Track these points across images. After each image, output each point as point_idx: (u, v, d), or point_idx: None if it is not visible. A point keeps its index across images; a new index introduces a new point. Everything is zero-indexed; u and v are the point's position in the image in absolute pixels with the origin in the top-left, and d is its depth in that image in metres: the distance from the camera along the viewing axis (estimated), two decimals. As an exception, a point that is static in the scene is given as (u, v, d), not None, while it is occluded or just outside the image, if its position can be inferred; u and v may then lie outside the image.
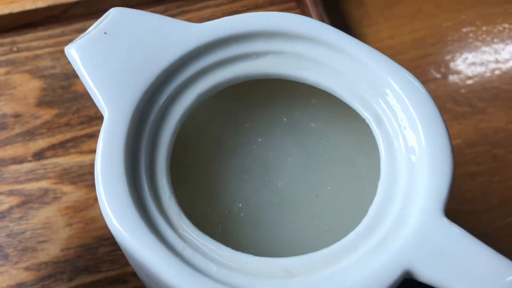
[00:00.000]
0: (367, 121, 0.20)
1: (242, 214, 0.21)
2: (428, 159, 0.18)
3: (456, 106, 0.38)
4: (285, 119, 0.24)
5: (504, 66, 0.40)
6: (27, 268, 0.31)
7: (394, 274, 0.16)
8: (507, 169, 0.36)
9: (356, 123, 0.21)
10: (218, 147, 0.23)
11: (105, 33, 0.20)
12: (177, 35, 0.20)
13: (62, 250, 0.32)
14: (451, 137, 0.36)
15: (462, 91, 0.39)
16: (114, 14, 0.21)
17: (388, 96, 0.20)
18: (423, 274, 0.17)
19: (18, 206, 0.33)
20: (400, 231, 0.17)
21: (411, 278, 0.17)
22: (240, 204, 0.21)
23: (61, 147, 0.35)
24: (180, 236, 0.17)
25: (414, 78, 0.20)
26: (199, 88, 0.20)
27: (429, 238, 0.17)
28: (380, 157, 0.19)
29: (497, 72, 0.40)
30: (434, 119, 0.19)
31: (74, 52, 0.20)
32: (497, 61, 0.40)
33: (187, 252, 0.17)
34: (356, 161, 0.22)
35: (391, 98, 0.20)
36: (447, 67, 0.40)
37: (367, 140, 0.21)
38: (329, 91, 0.21)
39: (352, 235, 0.18)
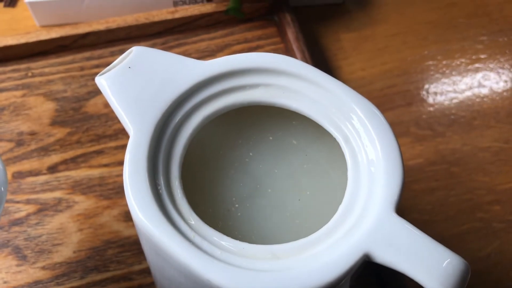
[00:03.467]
0: (337, 139, 0.23)
1: (239, 214, 0.25)
2: (384, 170, 0.22)
3: (418, 129, 0.42)
4: (271, 138, 0.27)
5: (461, 96, 0.44)
6: (43, 268, 0.34)
7: (356, 256, 0.20)
8: (462, 184, 0.39)
9: (329, 141, 0.24)
10: (218, 160, 0.26)
11: (129, 67, 0.24)
12: (187, 70, 0.24)
13: (74, 252, 0.35)
14: (414, 157, 0.40)
15: (424, 116, 0.42)
16: (136, 51, 0.25)
17: (353, 120, 0.23)
18: (378, 257, 0.20)
19: (34, 213, 0.36)
20: (361, 224, 0.21)
21: (370, 260, 0.21)
22: (237, 205, 0.25)
23: (72, 162, 0.38)
24: (191, 227, 0.21)
25: (374, 106, 0.24)
26: (205, 112, 0.24)
27: (383, 229, 0.21)
28: (348, 168, 0.23)
29: (454, 100, 0.44)
30: (389, 138, 0.23)
31: (103, 81, 0.24)
32: (454, 91, 0.44)
33: (197, 239, 0.21)
34: (329, 171, 0.26)
35: (356, 122, 0.23)
36: (411, 95, 0.43)
37: (337, 155, 0.24)
38: (307, 116, 0.24)
39: (324, 228, 0.22)
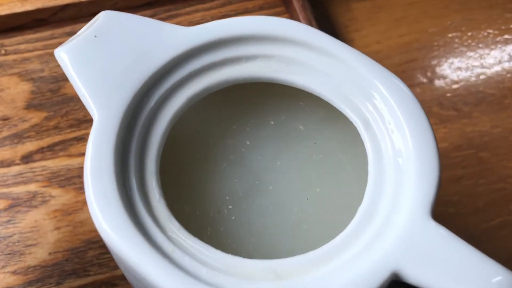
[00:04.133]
0: (354, 124, 0.20)
1: (233, 217, 0.21)
2: (415, 162, 0.18)
3: (442, 110, 0.39)
4: (272, 122, 0.24)
5: (489, 71, 0.41)
6: (14, 272, 0.31)
7: (382, 276, 0.17)
8: (492, 172, 0.36)
9: (344, 126, 0.21)
10: (207, 150, 0.23)
11: (95, 36, 0.20)
12: (167, 38, 0.20)
13: (50, 253, 0.32)
14: (437, 141, 0.37)
15: (448, 95, 0.39)
16: (104, 17, 0.21)
17: (375, 99, 0.20)
18: (411, 276, 0.17)
19: (5, 209, 0.33)
20: (388, 233, 0.18)
21: (400, 280, 0.17)
22: (230, 206, 0.21)
23: (49, 150, 0.35)
24: (169, 238, 0.18)
25: (401, 82, 0.20)
26: (189, 91, 0.21)
27: (416, 240, 0.17)
28: (368, 159, 0.20)
29: (482, 76, 0.40)
30: (421, 122, 0.19)
31: (64, 54, 0.20)
32: (482, 66, 0.41)
33: (177, 254, 0.17)
34: (344, 163, 0.23)
35: (379, 101, 0.20)
36: (433, 71, 0.40)
37: (355, 142, 0.21)
38: (317, 94, 0.21)
39: (340, 237, 0.18)
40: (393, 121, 0.19)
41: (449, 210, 0.35)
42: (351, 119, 0.20)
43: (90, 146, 0.19)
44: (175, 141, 0.22)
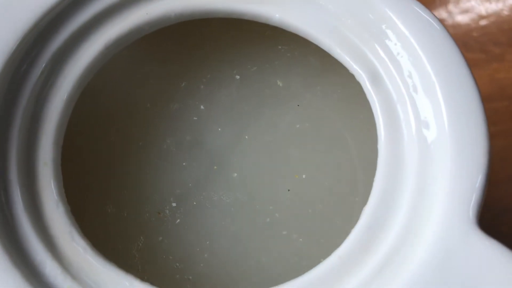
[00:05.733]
0: (357, 77, 0.15)
1: (178, 220, 0.15)
2: (451, 139, 0.13)
3: (467, 52, 0.35)
4: (238, 76, 0.19)
5: None
6: None
7: None
8: None
9: (344, 80, 0.16)
10: (143, 120, 0.17)
11: None
12: None
13: None
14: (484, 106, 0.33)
15: (474, 34, 0.37)
16: None
17: (389, 40, 0.15)
18: None
19: None
20: (411, 252, 0.12)
21: None
22: (175, 204, 0.16)
23: None
24: (67, 268, 0.12)
25: (428, 12, 0.15)
26: (107, 35, 0.15)
27: (455, 262, 0.12)
28: (378, 133, 0.14)
29: None
30: (460, 74, 0.14)
31: None
32: None
33: None
34: (344, 136, 0.17)
35: (394, 42, 0.15)
36: (456, 3, 0.37)
37: (360, 104, 0.16)
38: (302, 34, 0.16)
39: (335, 257, 0.13)
40: (417, 73, 0.14)
41: (476, 176, 0.33)
42: (351, 70, 0.15)
43: None
44: (91, 112, 0.16)
